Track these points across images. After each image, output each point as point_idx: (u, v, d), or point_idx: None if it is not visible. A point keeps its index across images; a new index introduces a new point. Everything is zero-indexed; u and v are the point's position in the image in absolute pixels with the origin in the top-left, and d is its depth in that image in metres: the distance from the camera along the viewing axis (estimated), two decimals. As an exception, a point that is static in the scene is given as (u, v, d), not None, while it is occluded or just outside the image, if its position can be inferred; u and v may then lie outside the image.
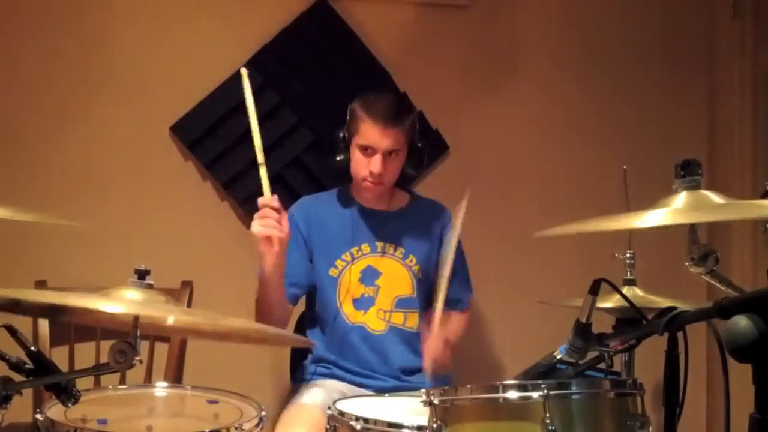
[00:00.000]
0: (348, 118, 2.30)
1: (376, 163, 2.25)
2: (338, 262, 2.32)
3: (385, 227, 2.36)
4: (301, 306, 2.44)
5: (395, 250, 2.35)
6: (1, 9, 2.75)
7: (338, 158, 2.31)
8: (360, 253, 2.33)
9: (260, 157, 2.05)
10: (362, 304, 2.31)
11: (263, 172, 2.05)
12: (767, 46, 2.99)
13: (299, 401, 2.17)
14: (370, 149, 2.25)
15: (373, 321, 2.31)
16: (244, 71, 2.07)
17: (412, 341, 2.33)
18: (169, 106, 2.82)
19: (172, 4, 2.86)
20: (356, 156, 2.28)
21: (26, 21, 2.77)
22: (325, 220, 2.36)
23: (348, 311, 2.31)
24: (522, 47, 3.08)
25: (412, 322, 2.34)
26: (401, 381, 2.28)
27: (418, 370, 2.32)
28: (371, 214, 2.37)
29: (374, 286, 2.32)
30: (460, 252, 2.46)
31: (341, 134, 2.30)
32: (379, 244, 2.34)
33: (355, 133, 2.27)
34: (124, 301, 1.47)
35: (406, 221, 2.39)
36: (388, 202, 2.38)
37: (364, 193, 2.34)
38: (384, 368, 2.29)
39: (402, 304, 2.33)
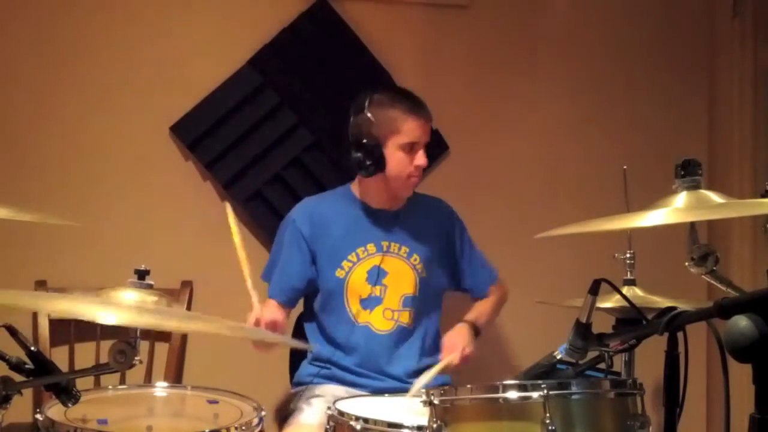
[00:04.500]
0: (372, 122, 2.24)
1: (422, 157, 2.27)
2: (345, 263, 2.32)
3: (390, 227, 2.36)
4: (299, 306, 2.45)
5: (399, 249, 2.35)
6: (1, 9, 2.74)
7: (380, 167, 2.26)
8: (366, 253, 2.33)
9: (249, 282, 2.04)
10: (369, 303, 2.32)
11: (254, 296, 2.05)
12: (767, 46, 2.99)
13: (299, 419, 2.16)
14: (416, 145, 2.26)
15: (378, 320, 2.31)
16: (228, 206, 2.10)
17: (415, 339, 2.34)
18: (169, 106, 2.82)
19: (172, 4, 2.85)
20: (398, 156, 2.26)
21: (26, 21, 2.77)
22: (329, 221, 2.35)
23: (355, 311, 2.31)
24: (521, 47, 3.08)
25: (414, 320, 2.35)
26: (402, 383, 2.27)
27: (421, 372, 2.32)
28: (376, 214, 2.37)
29: (381, 285, 2.32)
30: (469, 242, 2.49)
31: (373, 144, 2.23)
32: (385, 244, 2.34)
33: (395, 134, 2.24)
34: (122, 309, 1.45)
35: (410, 220, 2.39)
36: (393, 201, 2.38)
37: (405, 192, 2.33)
38: (385, 368, 2.29)
39: (407, 302, 2.34)
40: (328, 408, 1.86)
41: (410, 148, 2.26)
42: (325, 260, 2.33)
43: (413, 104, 2.27)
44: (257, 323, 2.04)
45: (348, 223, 2.35)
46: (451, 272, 2.45)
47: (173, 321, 1.60)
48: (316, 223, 2.34)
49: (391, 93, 2.33)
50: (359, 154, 2.25)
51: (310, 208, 2.39)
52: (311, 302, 2.39)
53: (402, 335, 2.33)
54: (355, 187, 2.41)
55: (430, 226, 2.41)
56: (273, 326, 2.09)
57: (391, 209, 2.38)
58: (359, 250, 2.33)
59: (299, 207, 2.40)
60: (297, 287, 2.32)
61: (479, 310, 2.43)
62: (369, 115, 2.25)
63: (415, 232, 2.38)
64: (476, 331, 2.34)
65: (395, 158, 2.26)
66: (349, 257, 2.32)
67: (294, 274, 2.31)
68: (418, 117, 2.26)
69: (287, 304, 2.30)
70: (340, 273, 2.32)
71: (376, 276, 2.32)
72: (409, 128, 2.25)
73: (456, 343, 2.26)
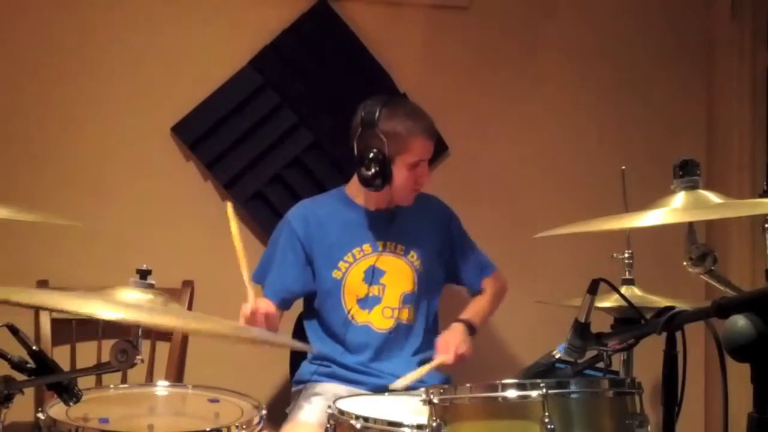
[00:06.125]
0: (383, 141, 2.23)
1: (426, 172, 2.33)
2: (341, 264, 2.33)
3: (385, 227, 2.38)
4: (298, 307, 2.45)
5: (396, 247, 2.37)
6: (1, 9, 2.75)
7: (387, 183, 2.27)
8: (362, 253, 2.34)
9: (246, 275, 2.05)
10: (367, 303, 2.33)
11: (251, 288, 2.07)
12: (766, 46, 3.00)
13: (298, 417, 2.17)
14: (422, 162, 2.30)
15: (378, 319, 2.33)
16: (229, 205, 2.09)
17: (415, 334, 2.36)
18: (170, 107, 2.82)
19: (173, 4, 2.86)
20: (404, 173, 2.28)
21: (27, 21, 2.77)
22: (325, 223, 2.36)
23: (354, 311, 2.32)
24: (521, 48, 3.09)
25: (414, 316, 2.37)
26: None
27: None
28: (371, 215, 2.38)
29: (380, 284, 2.34)
30: (465, 237, 2.51)
31: (383, 163, 2.24)
32: (380, 243, 2.36)
33: (403, 152, 2.26)
34: (124, 306, 1.45)
35: (405, 218, 2.40)
36: (390, 204, 2.39)
37: (406, 202, 2.35)
38: (387, 366, 2.30)
39: (408, 299, 2.36)
40: (329, 407, 1.87)
41: (416, 165, 2.29)
42: (321, 262, 2.34)
43: (423, 124, 2.29)
44: (254, 312, 2.06)
45: (343, 225, 2.36)
46: (448, 267, 2.48)
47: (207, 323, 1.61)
48: (311, 226, 2.35)
49: (401, 110, 2.30)
50: (369, 172, 2.25)
51: (305, 210, 2.40)
52: (311, 301, 2.40)
53: (401, 332, 2.34)
54: (350, 189, 2.42)
55: (426, 223, 2.44)
56: (268, 318, 2.10)
57: (387, 209, 2.40)
58: (355, 251, 2.34)
59: (295, 210, 2.41)
60: (292, 290, 2.34)
61: (475, 308, 2.44)
62: (380, 133, 2.24)
63: (411, 229, 2.39)
64: (471, 329, 2.35)
65: (402, 175, 2.28)
66: (345, 258, 2.34)
67: (289, 276, 2.32)
68: (427, 137, 2.29)
69: (281, 306, 2.31)
70: (336, 274, 2.33)
71: (372, 275, 2.33)
72: (417, 148, 2.28)
73: (449, 343, 2.26)
